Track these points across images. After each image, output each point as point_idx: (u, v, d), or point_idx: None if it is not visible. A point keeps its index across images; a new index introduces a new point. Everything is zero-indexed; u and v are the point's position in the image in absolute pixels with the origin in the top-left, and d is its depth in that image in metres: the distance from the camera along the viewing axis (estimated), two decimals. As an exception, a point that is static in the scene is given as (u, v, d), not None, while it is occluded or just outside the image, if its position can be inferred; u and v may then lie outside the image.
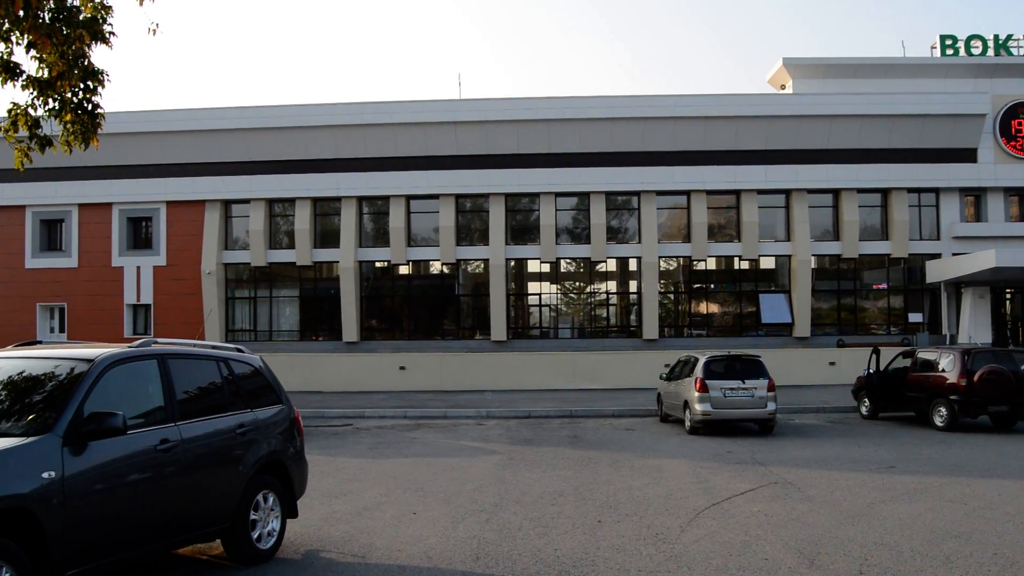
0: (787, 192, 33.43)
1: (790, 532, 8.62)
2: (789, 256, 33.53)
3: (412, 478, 12.09)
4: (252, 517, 7.56)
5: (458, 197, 33.67)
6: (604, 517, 9.39)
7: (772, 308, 33.62)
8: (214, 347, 8.21)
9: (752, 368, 17.25)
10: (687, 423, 17.36)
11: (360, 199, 33.96)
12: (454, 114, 32.56)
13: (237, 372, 8.02)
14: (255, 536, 7.56)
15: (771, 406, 16.91)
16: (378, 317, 35.12)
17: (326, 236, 34.40)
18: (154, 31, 8.00)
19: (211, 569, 7.46)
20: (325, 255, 34.18)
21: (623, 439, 16.59)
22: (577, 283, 35.33)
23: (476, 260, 34.41)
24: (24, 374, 6.58)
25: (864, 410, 20.02)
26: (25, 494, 5.42)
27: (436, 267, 34.86)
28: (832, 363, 28.12)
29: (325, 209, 34.44)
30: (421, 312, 35.01)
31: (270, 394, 8.37)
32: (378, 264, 34.69)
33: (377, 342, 33.82)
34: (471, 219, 34.39)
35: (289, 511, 8.19)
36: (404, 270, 34.78)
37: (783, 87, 35.63)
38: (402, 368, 28.09)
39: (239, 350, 8.45)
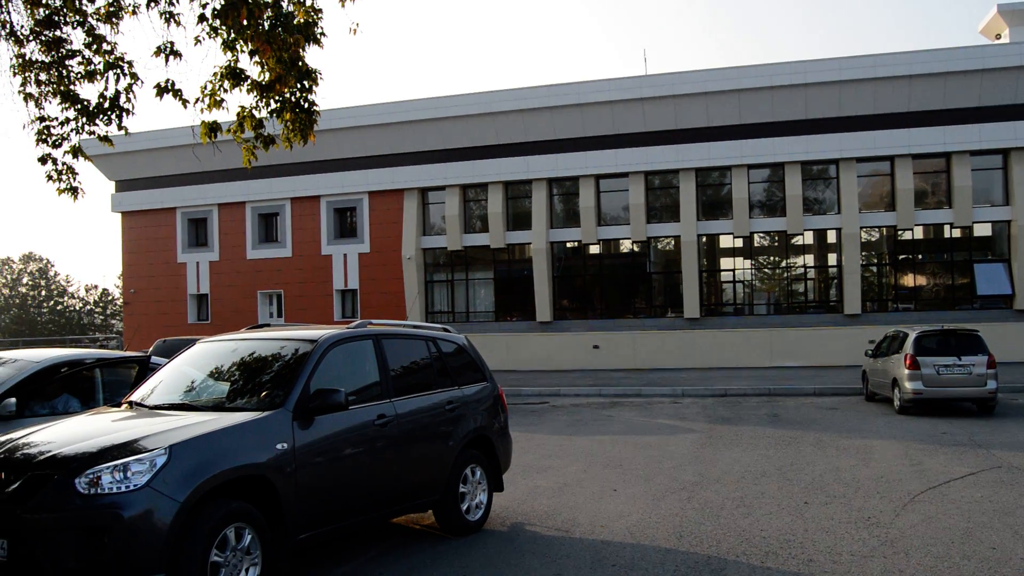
0: (1005, 152, 30.64)
1: (1020, 520, 7.97)
2: (1008, 222, 30.76)
3: (610, 455, 12.16)
4: (461, 490, 7.86)
5: (647, 174, 33.30)
6: (810, 499, 9.06)
7: (989, 278, 30.98)
8: (422, 327, 8.58)
9: (969, 343, 16.03)
10: (896, 402, 16.39)
11: (550, 181, 34.30)
12: (641, 90, 32.15)
13: (444, 351, 8.34)
14: (464, 508, 7.86)
15: (991, 384, 15.66)
16: (570, 297, 35.44)
17: (518, 218, 35.03)
18: (355, 30, 8.39)
19: (425, 538, 7.83)
20: (517, 237, 34.83)
21: (826, 418, 15.91)
22: (772, 257, 34.10)
23: (667, 237, 33.95)
24: (255, 355, 7.15)
25: (1102, 388, 18.17)
26: (263, 463, 5.91)
27: (626, 246, 34.69)
28: (1062, 337, 25.66)
29: (516, 192, 35.07)
30: (612, 291, 35.00)
31: (475, 372, 8.65)
32: (569, 244, 34.97)
33: (569, 321, 34.15)
34: (661, 196, 33.92)
35: (495, 485, 8.45)
36: (595, 249, 34.87)
37: (998, 36, 32.72)
38: (595, 347, 28.22)
39: (445, 330, 8.78)
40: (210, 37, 7.80)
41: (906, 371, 15.85)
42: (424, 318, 34.98)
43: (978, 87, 30.03)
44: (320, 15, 7.99)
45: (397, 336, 7.83)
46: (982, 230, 31.97)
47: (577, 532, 7.87)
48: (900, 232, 32.05)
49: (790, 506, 8.73)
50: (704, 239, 33.59)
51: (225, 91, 8.08)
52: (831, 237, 32.72)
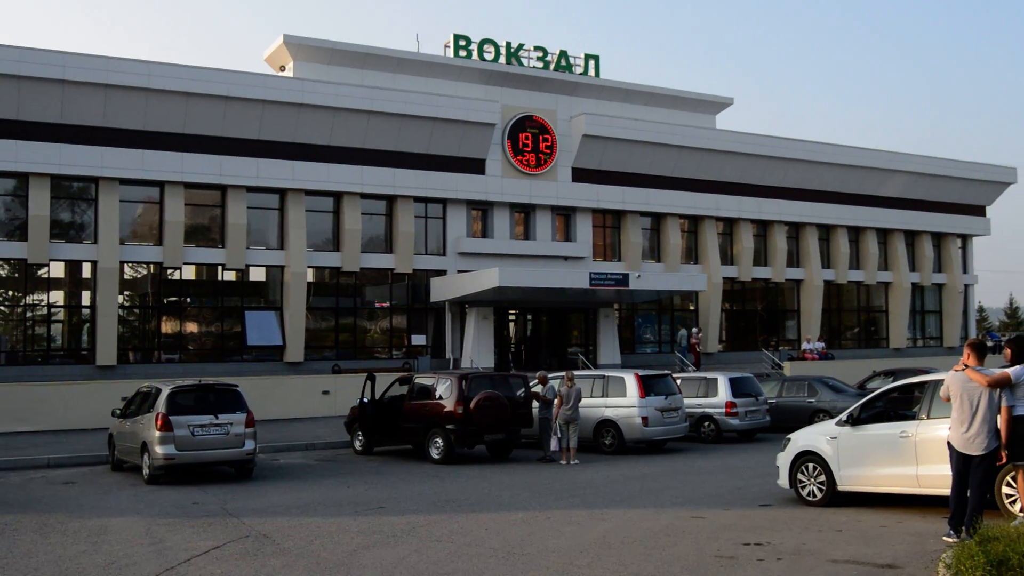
0: (283, 192, 34.01)
1: (256, 594, 8.58)
2: (282, 267, 34.08)
3: None
4: None
5: None
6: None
7: (260, 328, 33.87)
8: None
9: (228, 400, 17.15)
10: (145, 470, 16.70)
11: None
12: None
13: None
14: None
15: (249, 444, 16.93)
16: None
17: None
18: None
19: None
20: None
21: (59, 496, 15.43)
22: (10, 292, 32.15)
23: None
24: None
25: (358, 444, 21.00)
26: None
27: None
28: (326, 392, 29.04)
29: None
30: None
31: None
32: None
33: None
34: None
35: None
36: None
37: (282, 68, 36.29)
38: None
39: None
40: None
41: (157, 433, 16.21)
42: None
43: (259, 118, 32.85)
44: None
45: None
46: (257, 274, 34.87)
47: None
48: (169, 271, 33.07)
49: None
50: (-89, 263, 30.19)
51: None
52: (86, 271, 32.18)
